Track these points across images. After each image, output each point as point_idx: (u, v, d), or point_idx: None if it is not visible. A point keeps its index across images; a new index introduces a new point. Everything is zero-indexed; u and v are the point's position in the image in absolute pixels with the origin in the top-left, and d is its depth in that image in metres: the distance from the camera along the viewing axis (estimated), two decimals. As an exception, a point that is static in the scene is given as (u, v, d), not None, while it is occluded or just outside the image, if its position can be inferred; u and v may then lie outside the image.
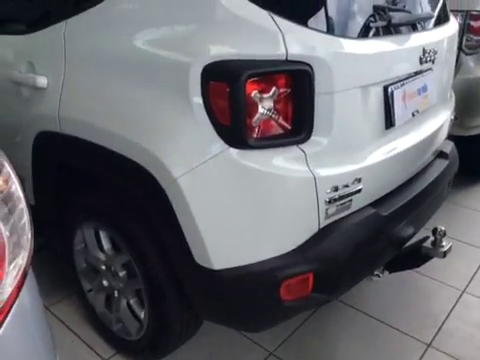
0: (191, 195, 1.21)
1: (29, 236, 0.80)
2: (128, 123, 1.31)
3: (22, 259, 0.77)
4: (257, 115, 1.18)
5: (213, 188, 1.21)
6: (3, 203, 0.78)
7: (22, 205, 0.82)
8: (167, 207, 1.25)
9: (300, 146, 1.25)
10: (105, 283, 1.69)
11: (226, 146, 1.19)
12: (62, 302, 2.03)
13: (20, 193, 0.84)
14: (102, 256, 1.66)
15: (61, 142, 1.53)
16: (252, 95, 1.16)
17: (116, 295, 1.66)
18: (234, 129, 1.17)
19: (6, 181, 0.82)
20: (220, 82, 1.15)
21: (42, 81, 1.54)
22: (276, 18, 1.15)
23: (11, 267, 0.74)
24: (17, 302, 0.74)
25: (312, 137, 1.25)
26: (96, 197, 1.59)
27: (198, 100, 1.18)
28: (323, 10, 1.22)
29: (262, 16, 1.15)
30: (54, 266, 2.07)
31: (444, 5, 1.81)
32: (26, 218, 0.82)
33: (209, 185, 1.21)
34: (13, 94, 1.70)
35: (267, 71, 1.16)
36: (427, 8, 1.67)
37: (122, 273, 1.60)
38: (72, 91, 1.46)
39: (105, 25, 1.37)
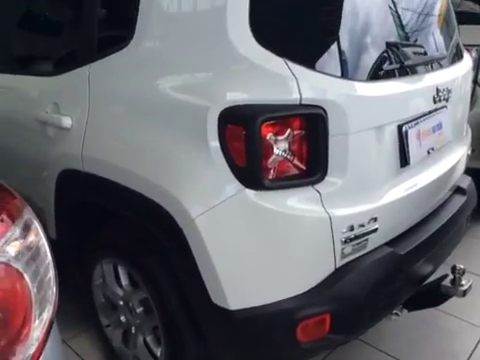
0: (208, 235, 1.23)
1: (54, 290, 0.83)
2: (147, 163, 1.35)
3: (48, 312, 0.79)
4: (272, 157, 1.21)
5: (230, 228, 1.24)
6: (32, 260, 0.81)
7: (48, 260, 0.85)
8: (184, 246, 1.27)
9: (315, 186, 1.27)
10: (123, 319, 1.70)
11: (242, 187, 1.22)
12: (80, 336, 2.04)
13: (47, 248, 0.87)
14: (120, 291, 1.68)
15: (83, 180, 1.58)
16: (267, 138, 1.19)
17: (133, 331, 1.67)
18: (250, 171, 1.21)
19: (35, 236, 0.85)
20: (236, 126, 1.19)
21: (67, 122, 1.60)
22: (290, 64, 1.20)
23: (37, 322, 0.76)
24: (43, 354, 0.76)
25: (327, 177, 1.27)
26: (115, 233, 1.63)
27: (215, 143, 1.22)
28: (336, 55, 1.26)
29: (277, 63, 1.20)
30: (73, 300, 2.09)
31: (457, 43, 1.84)
32: (52, 273, 0.84)
33: (226, 225, 1.24)
34: (39, 133, 1.77)
35: (281, 115, 1.20)
36: (440, 47, 1.70)
37: (139, 309, 1.61)
38: (95, 132, 1.52)
39: (127, 70, 1.44)
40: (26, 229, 0.85)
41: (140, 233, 1.49)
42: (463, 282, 1.69)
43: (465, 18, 2.62)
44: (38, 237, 0.86)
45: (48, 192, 1.77)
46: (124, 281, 1.66)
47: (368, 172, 1.36)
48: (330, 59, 1.27)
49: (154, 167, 1.33)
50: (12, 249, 0.79)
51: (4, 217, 0.82)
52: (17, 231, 0.81)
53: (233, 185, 1.22)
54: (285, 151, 1.22)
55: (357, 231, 1.32)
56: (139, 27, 1.38)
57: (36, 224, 0.88)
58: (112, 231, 1.64)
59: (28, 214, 0.88)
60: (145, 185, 1.35)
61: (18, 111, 1.91)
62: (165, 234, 1.36)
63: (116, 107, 1.47)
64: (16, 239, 0.80)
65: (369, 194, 1.37)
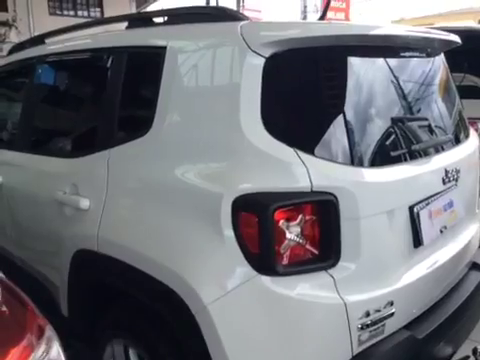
0: (220, 322, 1.23)
1: None
2: (162, 248, 1.37)
3: None
4: (285, 242, 1.23)
5: (242, 316, 1.23)
6: None
7: None
8: (196, 332, 1.26)
9: (329, 271, 1.27)
10: (133, 404, 1.64)
11: (255, 273, 1.22)
12: None
13: (62, 357, 0.88)
14: (130, 375, 1.63)
15: (98, 261, 1.60)
16: (280, 224, 1.22)
17: None
18: (263, 257, 1.22)
19: (48, 344, 0.87)
20: (249, 213, 1.22)
21: (85, 203, 1.65)
22: (300, 153, 1.25)
23: None
24: None
25: (340, 262, 1.28)
26: (127, 315, 1.61)
27: (229, 229, 1.24)
28: (344, 144, 1.32)
29: (288, 152, 1.25)
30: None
31: (463, 122, 1.89)
32: None
33: (238, 312, 1.23)
34: (56, 212, 1.82)
35: (293, 203, 1.23)
36: (447, 129, 1.75)
37: (150, 395, 1.56)
38: (112, 214, 1.57)
39: (145, 156, 1.51)
40: (48, 344, 0.86)
41: (152, 316, 1.48)
42: (486, 365, 1.61)
43: (469, 92, 2.71)
44: (52, 343, 0.87)
45: (62, 270, 1.79)
46: (135, 364, 1.62)
47: (382, 255, 1.36)
48: (339, 148, 1.32)
49: (168, 252, 1.35)
50: None
51: (30, 337, 0.84)
52: (41, 349, 0.83)
53: (246, 271, 1.23)
54: (297, 236, 1.24)
55: (373, 316, 1.30)
56: (157, 118, 1.47)
57: (50, 331, 0.90)
58: (124, 312, 1.63)
59: (49, 331, 0.91)
60: (159, 269, 1.36)
61: (36, 189, 1.98)
62: (177, 319, 1.35)
63: (133, 191, 1.53)
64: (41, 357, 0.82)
65: (384, 277, 1.36)
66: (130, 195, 1.53)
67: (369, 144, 1.38)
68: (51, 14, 14.61)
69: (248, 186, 1.24)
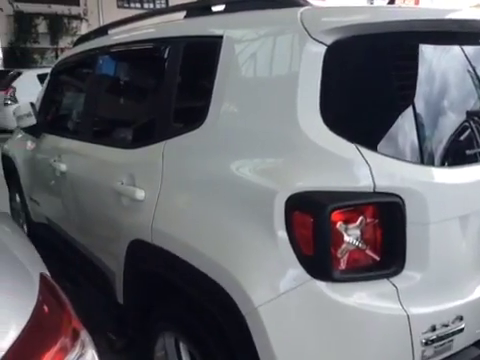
0: (270, 326, 1.17)
1: None
2: (213, 244, 1.34)
3: None
4: (343, 246, 1.14)
5: (294, 321, 1.16)
6: None
7: None
8: (245, 333, 1.22)
9: (391, 280, 1.16)
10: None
11: (309, 277, 1.15)
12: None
13: None
14: (181, 369, 1.63)
15: (151, 252, 1.60)
16: (337, 226, 1.13)
17: None
18: (318, 260, 1.14)
19: (82, 348, 0.85)
20: (304, 213, 1.15)
21: (140, 194, 1.66)
22: (363, 150, 1.15)
23: None
24: None
25: (404, 271, 1.17)
26: (178, 308, 1.60)
27: (282, 228, 1.17)
28: (413, 140, 1.19)
29: (349, 149, 1.15)
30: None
31: None
32: None
33: (289, 317, 1.16)
34: (114, 201, 1.85)
35: (353, 203, 1.13)
36: None
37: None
38: (165, 206, 1.55)
39: (199, 149, 1.47)
40: (83, 349, 0.86)
41: (202, 312, 1.45)
42: None
43: None
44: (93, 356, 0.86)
45: (119, 258, 1.82)
46: (185, 358, 1.61)
47: (452, 265, 1.23)
48: (406, 144, 1.20)
49: (219, 248, 1.31)
50: None
51: (64, 340, 0.84)
52: (74, 353, 0.82)
53: (300, 275, 1.15)
54: (357, 240, 1.14)
55: (440, 331, 1.18)
56: (212, 110, 1.42)
57: (91, 345, 0.90)
58: (175, 306, 1.62)
59: (85, 336, 0.90)
60: (209, 265, 1.32)
61: (97, 178, 2.03)
62: (226, 318, 1.31)
63: (186, 184, 1.50)
64: None
65: (454, 289, 1.23)
66: (183, 188, 1.51)
67: (441, 141, 1.24)
68: (119, 7, 15.21)
69: (303, 184, 1.16)
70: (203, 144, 1.46)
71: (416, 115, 1.20)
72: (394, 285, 1.16)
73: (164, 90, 1.68)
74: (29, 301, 0.88)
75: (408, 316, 1.14)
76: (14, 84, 8.94)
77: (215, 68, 1.44)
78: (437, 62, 1.29)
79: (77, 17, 15.42)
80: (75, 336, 0.87)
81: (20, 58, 14.75)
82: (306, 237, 1.14)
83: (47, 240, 2.94)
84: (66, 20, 15.48)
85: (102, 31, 2.42)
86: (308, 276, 1.15)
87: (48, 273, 1.06)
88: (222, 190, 1.36)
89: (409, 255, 1.16)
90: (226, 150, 1.38)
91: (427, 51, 1.27)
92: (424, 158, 1.20)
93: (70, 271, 2.59)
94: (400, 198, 1.13)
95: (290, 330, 1.16)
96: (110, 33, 2.33)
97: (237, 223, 1.28)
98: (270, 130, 1.28)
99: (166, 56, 1.69)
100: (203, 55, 1.56)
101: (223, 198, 1.35)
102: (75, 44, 2.76)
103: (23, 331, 0.80)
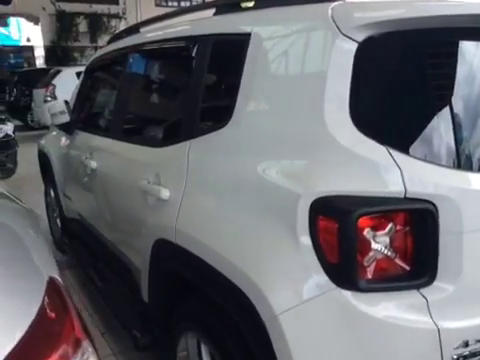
0: (291, 334, 1.12)
1: None
2: (234, 246, 1.31)
3: None
4: (370, 254, 1.08)
5: (316, 331, 1.11)
6: None
7: None
8: (265, 340, 1.18)
9: (421, 291, 1.09)
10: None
11: (333, 286, 1.09)
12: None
13: None
14: (202, 370, 1.61)
15: (175, 252, 1.59)
16: (364, 233, 1.07)
17: None
18: (343, 268, 1.09)
19: (84, 356, 0.84)
20: (329, 218, 1.09)
21: (165, 193, 1.65)
22: (394, 153, 1.08)
23: None
24: None
25: (436, 282, 1.09)
26: (199, 310, 1.59)
27: (305, 234, 1.13)
28: (448, 142, 1.11)
29: (379, 152, 1.09)
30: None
31: None
32: None
33: (311, 327, 1.12)
34: (140, 199, 1.86)
35: (381, 209, 1.07)
36: None
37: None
38: (189, 206, 1.54)
39: (223, 149, 1.44)
40: (84, 357, 0.84)
41: (224, 315, 1.43)
42: None
43: None
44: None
45: (144, 256, 1.82)
46: (206, 359, 1.59)
47: (488, 277, 1.15)
48: (441, 148, 1.12)
49: (241, 252, 1.28)
50: None
51: (66, 348, 0.82)
52: None
53: (323, 283, 1.10)
54: (385, 248, 1.08)
55: (473, 347, 1.10)
56: (237, 110, 1.39)
57: (94, 356, 0.88)
58: (197, 307, 1.61)
59: (87, 345, 0.89)
60: (230, 269, 1.29)
61: (125, 176, 2.04)
62: (247, 323, 1.28)
63: (210, 185, 1.47)
64: None
65: (490, 304, 1.14)
66: (207, 189, 1.48)
67: (479, 145, 1.15)
68: (157, 5, 15.46)
69: (329, 188, 1.11)
70: (228, 144, 1.43)
71: (453, 117, 1.12)
72: (424, 297, 1.09)
73: (191, 88, 1.66)
74: (33, 304, 0.87)
75: (438, 330, 1.07)
76: (54, 82, 9.22)
77: (242, 66, 1.41)
78: (477, 61, 1.20)
79: (116, 16, 15.79)
80: (77, 344, 0.85)
81: (61, 56, 15.26)
82: (331, 244, 1.09)
83: (79, 236, 3.00)
84: (105, 19, 15.89)
85: (134, 29, 2.43)
86: (332, 285, 1.10)
87: (58, 277, 1.05)
88: (245, 192, 1.32)
89: (441, 265, 1.09)
90: (251, 151, 1.34)
91: (467, 49, 1.19)
92: (460, 163, 1.12)
93: (100, 267, 2.63)
94: (433, 205, 1.06)
95: (311, 340, 1.12)
96: (142, 31, 2.34)
97: (260, 227, 1.25)
98: (296, 130, 1.23)
99: (194, 54, 1.67)
100: (231, 53, 1.53)
101: (246, 200, 1.31)
102: (109, 42, 2.79)
103: (24, 335, 0.79)
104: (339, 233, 1.07)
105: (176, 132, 1.72)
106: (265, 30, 1.40)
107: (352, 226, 1.05)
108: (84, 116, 2.93)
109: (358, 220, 1.05)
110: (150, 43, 2.06)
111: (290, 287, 1.15)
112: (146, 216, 1.81)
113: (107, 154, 2.30)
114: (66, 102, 2.81)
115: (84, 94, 2.96)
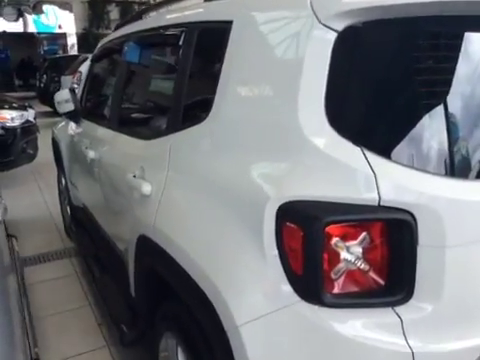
0: (252, 347, 1.05)
1: None
2: (203, 250, 1.23)
3: None
4: (338, 266, 0.98)
5: (277, 345, 1.03)
6: None
7: None
8: (227, 349, 1.11)
9: (396, 309, 0.99)
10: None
11: (298, 299, 1.00)
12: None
13: None
14: (179, 374, 1.56)
15: (153, 250, 1.53)
16: (332, 242, 0.97)
17: None
18: (308, 280, 0.99)
19: None
20: (295, 224, 1.00)
21: (147, 188, 1.58)
22: (370, 156, 0.97)
23: None
24: None
25: (412, 300, 0.99)
26: (177, 311, 1.52)
27: (271, 241, 1.04)
28: (432, 147, 0.99)
29: (353, 154, 0.98)
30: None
31: None
32: None
33: (273, 341, 1.03)
34: (128, 193, 1.80)
35: (352, 218, 0.97)
36: None
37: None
38: (167, 204, 1.47)
39: (198, 145, 1.37)
40: None
41: (195, 319, 1.36)
42: None
43: None
44: None
45: (130, 251, 1.78)
46: (182, 362, 1.54)
47: (473, 297, 1.02)
48: (425, 151, 1.00)
49: (210, 256, 1.20)
50: None
51: None
52: None
53: (287, 295, 1.01)
54: (357, 260, 0.98)
55: (452, 375, 0.99)
56: (215, 105, 1.30)
57: None
58: (173, 307, 1.55)
59: None
60: (200, 274, 1.22)
61: (116, 168, 2.00)
62: (212, 330, 1.21)
63: (186, 182, 1.40)
64: None
65: (474, 326, 1.02)
66: (184, 187, 1.41)
67: (465, 149, 1.02)
68: (186, -8, 15.38)
69: (297, 191, 1.01)
70: (202, 140, 1.35)
71: (438, 117, 1.00)
72: (399, 316, 0.98)
73: (175, 81, 1.59)
74: None
75: (413, 353, 0.96)
76: (81, 68, 9.34)
77: (223, 57, 1.32)
78: (470, 54, 1.06)
79: (146, 3, 15.82)
80: None
81: (93, 43, 15.44)
82: (296, 252, 1.00)
83: (82, 224, 3.00)
84: (137, 7, 15.96)
85: (137, 16, 2.37)
86: (297, 297, 1.01)
87: None
88: (218, 192, 1.24)
89: (419, 282, 0.98)
90: (225, 148, 1.26)
91: (459, 40, 1.05)
92: (443, 168, 0.99)
93: (98, 257, 2.62)
94: (411, 215, 0.95)
95: (272, 354, 1.03)
96: (143, 18, 2.27)
97: (229, 230, 1.16)
98: (270, 128, 1.13)
99: (181, 43, 1.59)
100: (214, 42, 1.43)
101: (218, 201, 1.23)
102: (114, 30, 2.74)
103: None
104: (304, 241, 0.98)
105: (161, 125, 1.65)
106: (246, 18, 1.30)
107: (318, 234, 0.95)
108: (88, 105, 2.91)
109: (325, 228, 0.96)
110: (141, 32, 1.99)
111: (253, 297, 1.07)
112: (132, 210, 1.76)
113: (103, 144, 2.27)
114: (72, 90, 2.79)
115: (88, 83, 2.93)
